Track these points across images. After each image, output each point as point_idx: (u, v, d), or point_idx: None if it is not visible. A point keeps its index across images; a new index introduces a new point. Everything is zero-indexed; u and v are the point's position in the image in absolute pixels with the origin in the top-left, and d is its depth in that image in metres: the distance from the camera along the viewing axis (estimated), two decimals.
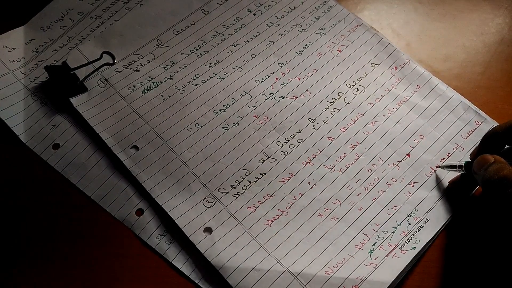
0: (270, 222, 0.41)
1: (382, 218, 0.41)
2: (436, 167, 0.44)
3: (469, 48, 0.53)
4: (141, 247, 0.40)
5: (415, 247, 0.40)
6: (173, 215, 0.40)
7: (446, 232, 0.41)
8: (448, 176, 0.43)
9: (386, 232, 0.40)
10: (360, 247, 0.40)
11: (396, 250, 0.39)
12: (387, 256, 0.39)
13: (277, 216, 0.41)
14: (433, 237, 0.40)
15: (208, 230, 0.40)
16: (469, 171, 0.39)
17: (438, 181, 0.43)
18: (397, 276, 0.38)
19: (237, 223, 0.40)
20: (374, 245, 0.40)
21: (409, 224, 0.41)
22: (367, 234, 0.40)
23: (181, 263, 0.39)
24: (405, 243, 0.40)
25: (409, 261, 0.39)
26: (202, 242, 0.39)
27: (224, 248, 0.39)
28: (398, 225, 0.41)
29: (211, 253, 0.39)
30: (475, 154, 0.41)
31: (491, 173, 0.35)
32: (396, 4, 0.56)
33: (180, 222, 0.40)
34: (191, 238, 0.39)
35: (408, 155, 0.44)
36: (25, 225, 0.41)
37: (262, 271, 0.38)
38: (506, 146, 0.40)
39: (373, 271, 0.38)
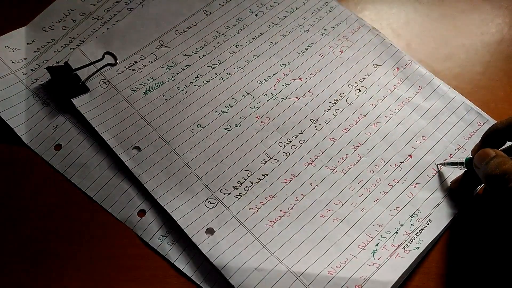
0: (272, 222, 0.41)
1: (384, 219, 0.41)
2: (437, 164, 0.44)
3: (469, 48, 0.53)
4: (143, 247, 0.40)
5: (418, 247, 0.40)
6: (175, 216, 0.40)
7: (448, 232, 0.41)
8: (451, 177, 0.43)
9: (388, 232, 0.40)
10: (363, 247, 0.40)
11: (400, 250, 0.39)
12: (390, 256, 0.39)
13: (279, 217, 0.41)
14: (436, 238, 0.40)
15: (210, 231, 0.40)
16: (470, 167, 0.39)
17: (441, 182, 0.43)
18: (400, 276, 0.38)
19: (239, 224, 0.40)
20: (377, 245, 0.40)
21: (411, 225, 0.41)
22: (370, 234, 0.40)
23: (183, 264, 0.39)
24: (408, 243, 0.40)
25: (413, 261, 0.39)
26: (204, 243, 0.39)
27: (226, 249, 0.39)
28: (401, 225, 0.41)
29: (213, 254, 0.39)
30: (476, 151, 0.40)
31: (492, 167, 0.35)
32: (396, 4, 0.56)
33: (182, 223, 0.40)
34: (193, 239, 0.39)
35: (411, 156, 0.44)
36: (27, 225, 0.41)
37: (265, 271, 0.38)
38: (507, 143, 0.40)
39: (377, 270, 0.38)
